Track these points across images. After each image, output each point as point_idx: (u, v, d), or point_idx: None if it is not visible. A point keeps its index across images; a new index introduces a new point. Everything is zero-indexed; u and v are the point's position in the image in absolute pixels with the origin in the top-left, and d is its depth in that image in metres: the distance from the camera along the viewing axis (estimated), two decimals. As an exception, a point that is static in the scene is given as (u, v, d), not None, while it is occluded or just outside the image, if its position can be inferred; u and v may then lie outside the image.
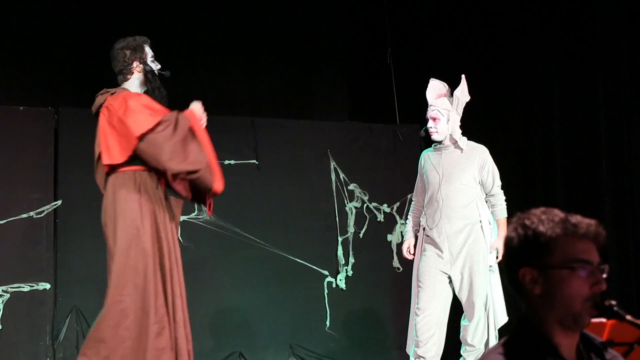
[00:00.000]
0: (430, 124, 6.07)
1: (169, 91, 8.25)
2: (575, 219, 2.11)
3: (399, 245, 8.16)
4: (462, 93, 6.08)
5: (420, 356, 5.82)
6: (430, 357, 5.82)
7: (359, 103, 8.77)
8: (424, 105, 8.37)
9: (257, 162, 7.97)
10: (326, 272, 8.04)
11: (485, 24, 8.24)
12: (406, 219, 8.21)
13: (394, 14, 8.66)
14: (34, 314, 7.36)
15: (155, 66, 5.26)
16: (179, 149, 4.92)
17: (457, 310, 6.12)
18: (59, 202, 7.50)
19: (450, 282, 5.91)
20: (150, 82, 5.24)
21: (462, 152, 5.98)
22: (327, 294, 8.00)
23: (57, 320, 7.41)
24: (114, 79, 8.07)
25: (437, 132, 6.02)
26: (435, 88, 6.16)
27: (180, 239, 7.69)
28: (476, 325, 5.84)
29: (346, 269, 8.14)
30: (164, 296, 5.01)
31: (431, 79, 6.19)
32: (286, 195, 8.00)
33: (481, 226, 5.90)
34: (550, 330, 2.09)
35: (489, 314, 5.86)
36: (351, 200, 8.22)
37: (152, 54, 5.29)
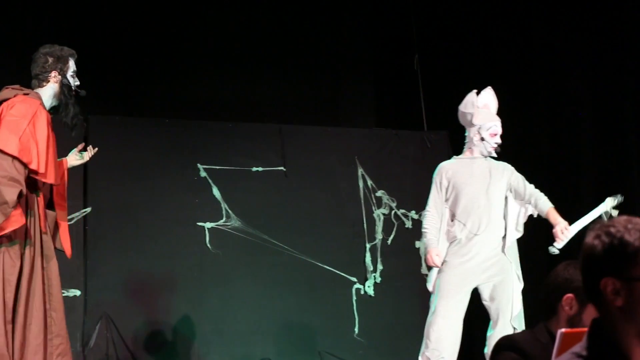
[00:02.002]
0: (497, 140, 5.97)
1: (200, 99, 8.34)
2: None
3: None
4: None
5: None
6: None
7: (386, 110, 8.78)
8: (451, 111, 8.35)
9: (284, 169, 8.00)
10: (354, 279, 8.04)
11: (513, 29, 8.21)
12: None
13: (421, 20, 8.65)
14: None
15: (74, 82, 5.09)
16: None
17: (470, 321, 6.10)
18: (89, 210, 7.56)
19: (473, 291, 5.90)
20: (65, 96, 5.06)
21: (489, 164, 5.97)
22: (356, 300, 8.01)
23: (88, 327, 7.45)
24: (139, 87, 8.19)
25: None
26: (494, 98, 6.07)
27: (209, 245, 7.79)
28: (501, 332, 5.81)
29: (374, 276, 8.14)
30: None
31: (489, 88, 6.07)
32: (314, 202, 8.02)
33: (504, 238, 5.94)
34: (628, 344, 2.01)
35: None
36: (379, 207, 8.22)
37: (75, 69, 5.13)
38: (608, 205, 5.86)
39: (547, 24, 8.00)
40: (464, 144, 6.14)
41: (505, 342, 2.89)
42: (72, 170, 7.51)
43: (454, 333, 5.82)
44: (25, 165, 4.80)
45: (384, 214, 8.22)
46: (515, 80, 8.00)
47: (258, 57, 8.49)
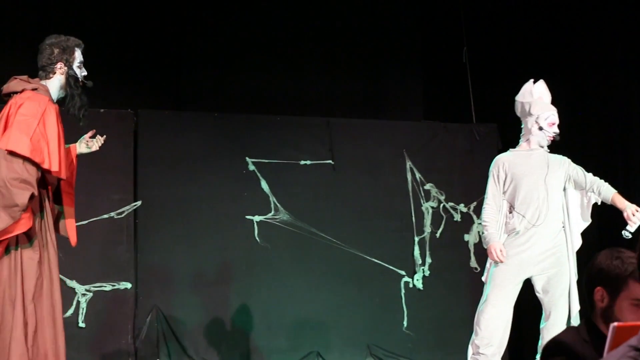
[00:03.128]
0: (555, 129, 5.92)
1: (249, 92, 8.38)
2: None
3: (477, 245, 8.13)
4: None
5: (481, 353, 5.81)
6: (491, 354, 5.79)
7: (434, 102, 8.76)
8: (500, 103, 8.30)
9: (333, 163, 8.01)
10: (403, 272, 8.04)
11: (562, 21, 8.16)
12: None
13: (469, 12, 8.61)
14: (115, 313, 7.49)
15: (81, 72, 5.00)
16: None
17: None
18: (139, 203, 7.63)
19: (526, 282, 5.87)
20: (71, 88, 4.97)
21: (546, 155, 5.93)
22: (404, 294, 8.00)
23: (138, 319, 7.53)
24: (189, 81, 8.27)
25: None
26: (546, 90, 6.01)
27: (257, 238, 7.83)
28: (554, 324, 5.80)
29: (423, 269, 8.12)
30: None
31: (541, 80, 6.01)
32: (362, 195, 8.02)
33: (564, 230, 5.90)
34: None
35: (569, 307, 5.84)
36: (427, 200, 8.20)
37: (82, 59, 5.03)
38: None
39: (597, 15, 7.93)
40: (519, 136, 6.09)
41: (552, 346, 2.84)
42: (122, 164, 7.64)
43: (504, 322, 5.81)
44: (37, 166, 4.74)
45: (432, 207, 8.20)
46: (564, 73, 7.95)
47: (306, 51, 8.53)
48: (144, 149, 7.72)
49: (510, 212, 5.91)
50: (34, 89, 4.87)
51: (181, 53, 8.27)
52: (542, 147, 5.93)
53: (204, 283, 7.70)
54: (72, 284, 7.36)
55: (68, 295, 7.30)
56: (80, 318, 7.37)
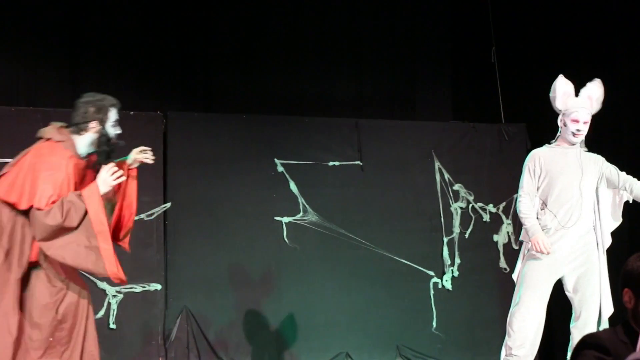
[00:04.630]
0: (580, 126, 5.81)
1: (277, 94, 8.40)
2: None
3: (506, 246, 8.11)
4: (600, 97, 5.94)
5: (514, 354, 5.78)
6: (524, 355, 5.77)
7: (463, 102, 8.77)
8: (530, 103, 8.27)
9: (361, 164, 8.02)
10: (432, 273, 8.03)
11: (591, 20, 8.12)
12: (513, 218, 8.12)
13: (498, 12, 8.61)
14: (146, 314, 7.55)
15: (114, 131, 5.07)
16: (52, 235, 4.75)
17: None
18: (169, 205, 7.68)
19: (557, 282, 5.85)
20: (101, 146, 5.04)
21: (582, 154, 5.88)
22: (433, 294, 8.00)
23: (169, 321, 7.58)
24: (217, 83, 8.31)
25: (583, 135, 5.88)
26: (571, 86, 5.94)
27: (286, 240, 7.86)
28: (585, 324, 5.77)
29: (452, 270, 8.12)
30: None
31: (561, 76, 5.93)
32: (390, 196, 8.03)
33: (594, 228, 5.87)
34: None
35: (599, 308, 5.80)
36: (456, 200, 8.19)
37: (116, 118, 5.09)
38: None
39: (627, 15, 7.89)
40: (548, 136, 6.05)
41: (590, 340, 2.83)
42: (152, 166, 7.61)
43: (537, 324, 5.78)
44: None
45: (461, 208, 8.19)
46: (593, 73, 7.89)
47: (335, 52, 8.56)
48: (173, 151, 7.77)
49: (542, 209, 5.87)
50: (59, 141, 4.94)
51: (210, 55, 8.32)
52: (572, 144, 5.87)
53: (233, 284, 7.74)
54: (103, 285, 7.42)
55: (99, 297, 7.37)
56: (111, 319, 7.42)
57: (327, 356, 7.78)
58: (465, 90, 8.83)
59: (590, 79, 6.12)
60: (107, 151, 5.06)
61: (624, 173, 5.89)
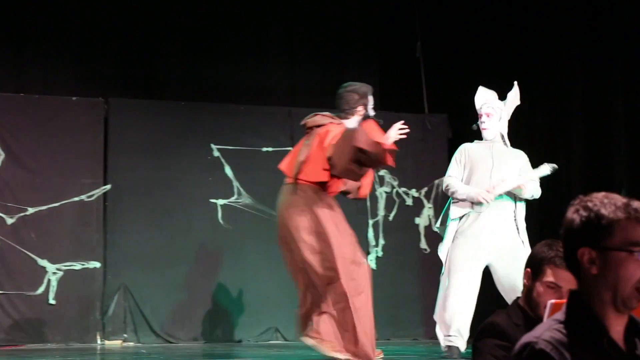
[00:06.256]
0: (483, 119, 6.14)
1: (215, 82, 8.33)
2: (637, 204, 2.14)
3: (427, 228, 8.35)
4: (515, 97, 6.21)
5: (449, 335, 5.92)
6: (455, 336, 5.91)
7: (389, 93, 8.76)
8: (452, 95, 8.44)
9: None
10: (358, 253, 8.23)
11: (510, 19, 8.34)
12: (434, 202, 8.33)
13: (424, 8, 8.76)
14: (84, 290, 7.66)
15: (372, 113, 5.64)
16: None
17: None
18: (109, 187, 7.82)
19: (484, 268, 6.00)
20: None
21: (507, 148, 6.14)
22: (359, 273, 8.19)
23: (106, 297, 7.71)
24: (158, 71, 8.31)
25: (489, 128, 6.12)
26: (485, 92, 6.24)
27: (221, 221, 8.00)
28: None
29: (376, 250, 8.36)
30: None
31: (480, 87, 6.26)
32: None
33: (514, 216, 6.06)
34: (603, 310, 2.11)
35: None
36: (381, 185, 8.41)
37: (373, 102, 5.68)
38: (542, 171, 6.03)
39: (544, 13, 8.12)
40: (468, 126, 6.36)
41: (489, 328, 2.83)
42: (93, 149, 7.79)
43: (467, 306, 5.89)
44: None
45: (386, 192, 8.41)
46: (512, 68, 8.13)
47: (269, 44, 8.64)
48: (113, 136, 7.87)
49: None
50: (339, 124, 5.51)
51: (151, 44, 8.36)
52: (487, 139, 6.14)
53: (169, 263, 7.85)
54: (44, 262, 7.54)
55: (39, 273, 7.50)
56: (51, 295, 7.53)
57: (257, 331, 7.95)
58: (392, 81, 8.87)
59: (508, 74, 6.38)
60: None
61: (534, 171, 6.05)
